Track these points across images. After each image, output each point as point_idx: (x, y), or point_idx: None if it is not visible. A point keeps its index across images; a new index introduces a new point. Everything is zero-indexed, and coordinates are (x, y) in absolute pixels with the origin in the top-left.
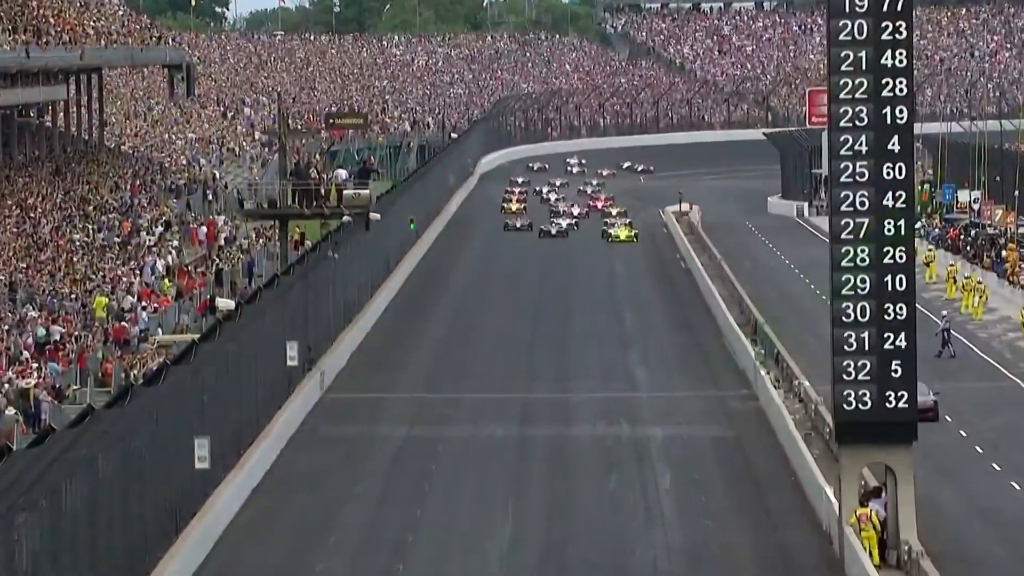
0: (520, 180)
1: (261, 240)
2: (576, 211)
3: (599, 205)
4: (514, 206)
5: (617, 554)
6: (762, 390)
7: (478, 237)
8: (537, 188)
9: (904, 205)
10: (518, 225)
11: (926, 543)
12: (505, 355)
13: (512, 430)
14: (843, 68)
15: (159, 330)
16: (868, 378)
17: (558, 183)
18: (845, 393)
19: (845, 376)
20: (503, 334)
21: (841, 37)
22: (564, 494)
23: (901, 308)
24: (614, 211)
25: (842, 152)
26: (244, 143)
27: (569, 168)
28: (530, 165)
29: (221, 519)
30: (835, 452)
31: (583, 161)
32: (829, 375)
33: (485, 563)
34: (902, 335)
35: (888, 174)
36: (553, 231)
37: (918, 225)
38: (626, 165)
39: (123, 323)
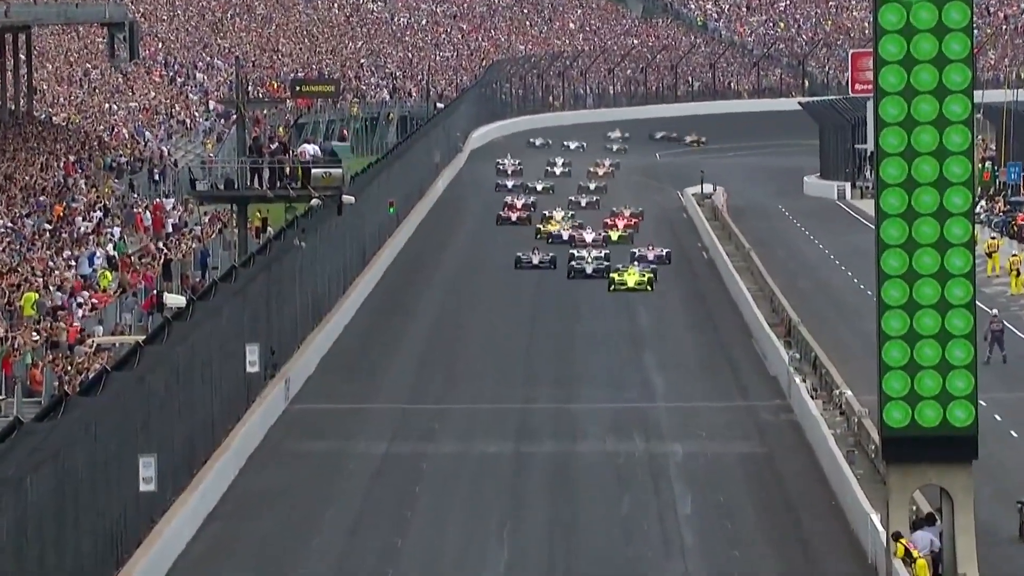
0: (512, 165)
1: (217, 226)
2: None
3: (620, 223)
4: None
5: None
6: (797, 400)
7: (468, 223)
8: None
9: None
10: (535, 262)
11: None
12: (499, 359)
13: (507, 446)
14: (892, 27)
15: (98, 331)
16: (920, 387)
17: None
18: (893, 404)
19: (893, 384)
20: (497, 335)
21: None
22: (568, 521)
23: (961, 306)
24: (614, 235)
25: (890, 124)
26: (196, 114)
27: (609, 145)
28: (531, 141)
29: (170, 550)
30: (882, 473)
31: (626, 135)
32: (875, 383)
33: None
34: (962, 336)
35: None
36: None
37: (979, 209)
38: (660, 135)
39: (56, 323)
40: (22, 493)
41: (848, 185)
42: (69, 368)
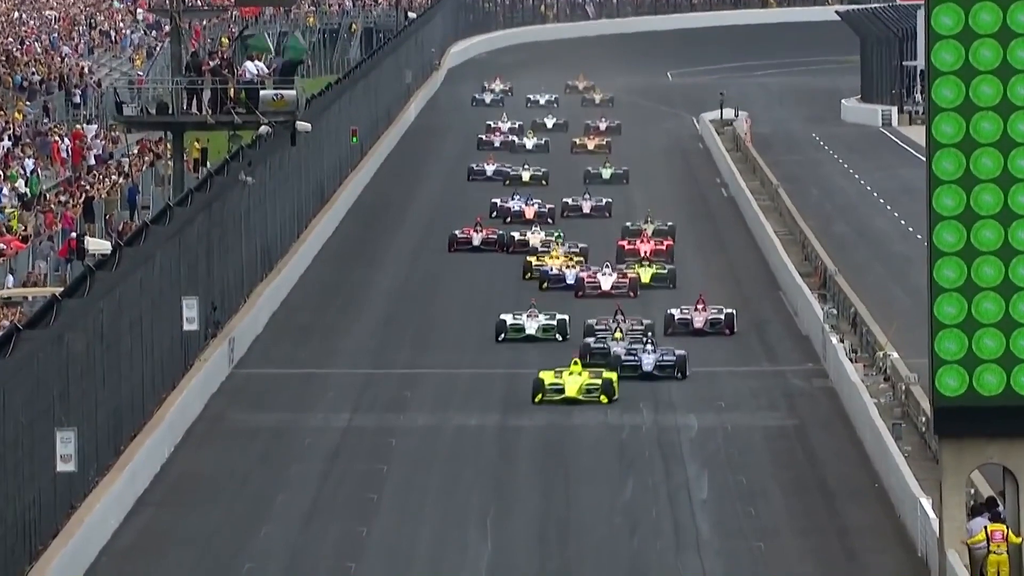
0: (493, 93)
1: (147, 158)
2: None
3: (643, 249)
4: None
5: None
6: (833, 364)
7: (445, 156)
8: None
9: None
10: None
11: None
12: (481, 316)
13: (491, 418)
14: None
15: (7, 281)
16: (979, 348)
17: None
18: (947, 369)
19: (947, 345)
20: (477, 287)
21: None
22: (562, 507)
23: None
24: (646, 275)
25: (944, 37)
26: (123, 25)
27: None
28: (530, 98)
29: (93, 540)
30: (934, 449)
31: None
32: (925, 344)
33: None
34: None
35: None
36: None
37: None
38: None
39: None
40: None
41: (894, 109)
42: None
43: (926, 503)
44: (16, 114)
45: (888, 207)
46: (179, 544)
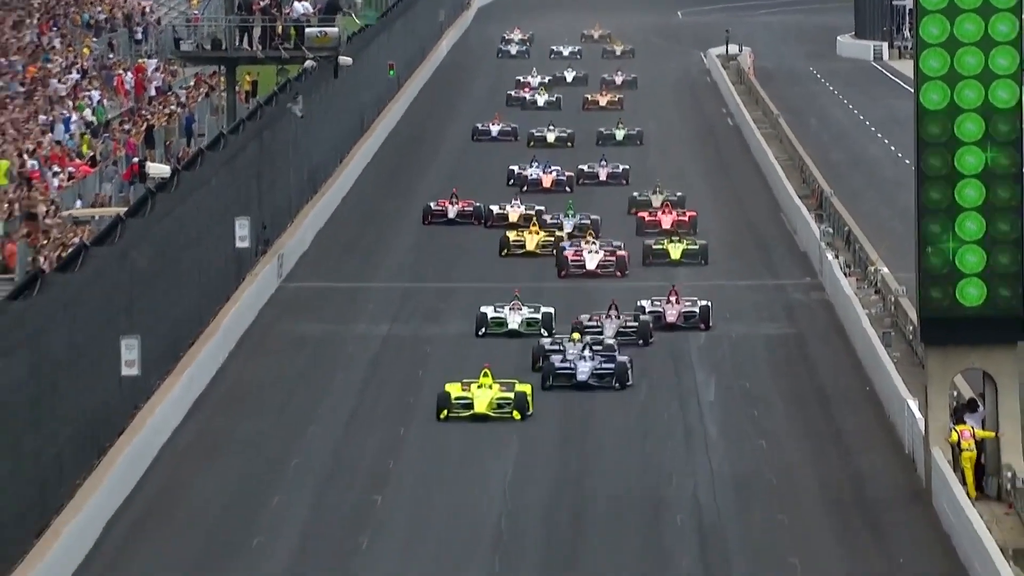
0: (517, 43)
1: (202, 90)
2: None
3: (664, 221)
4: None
5: (649, 484)
6: (829, 278)
7: (475, 89)
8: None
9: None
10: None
11: None
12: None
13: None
14: None
15: (76, 202)
16: (962, 263)
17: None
18: (933, 282)
19: (933, 261)
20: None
21: None
22: (583, 408)
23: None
24: (675, 252)
25: None
26: None
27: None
28: (554, 49)
29: (155, 439)
30: (920, 356)
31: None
32: (913, 260)
33: (486, 497)
34: (1007, 209)
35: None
36: None
37: None
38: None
39: (31, 192)
40: None
41: (885, 45)
42: (45, 242)
43: (913, 405)
44: (84, 50)
45: (879, 135)
46: (233, 443)
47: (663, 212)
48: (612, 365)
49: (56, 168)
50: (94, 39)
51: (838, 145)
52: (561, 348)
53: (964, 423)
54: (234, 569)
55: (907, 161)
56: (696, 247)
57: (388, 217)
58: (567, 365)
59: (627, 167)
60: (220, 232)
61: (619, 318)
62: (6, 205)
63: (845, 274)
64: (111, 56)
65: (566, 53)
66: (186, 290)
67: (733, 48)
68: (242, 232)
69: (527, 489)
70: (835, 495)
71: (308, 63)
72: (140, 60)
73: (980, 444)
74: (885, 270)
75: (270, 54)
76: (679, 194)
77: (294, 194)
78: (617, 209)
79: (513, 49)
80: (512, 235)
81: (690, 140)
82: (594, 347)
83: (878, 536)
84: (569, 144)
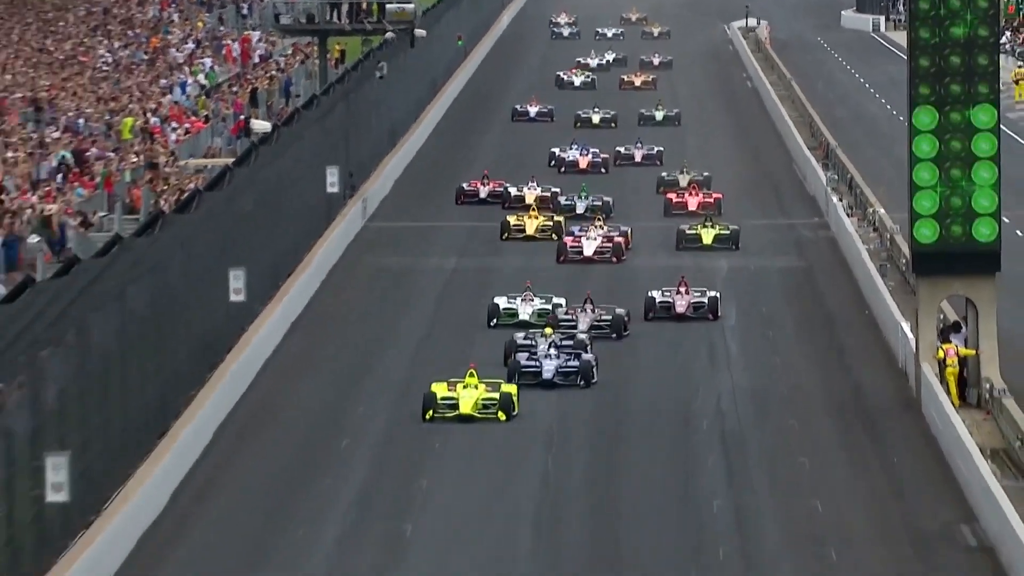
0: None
1: (299, 57)
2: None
3: (691, 203)
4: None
5: (678, 395)
6: (834, 218)
7: (531, 57)
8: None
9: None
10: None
11: (1009, 380)
12: (559, 182)
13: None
14: None
15: (191, 154)
16: (948, 205)
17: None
18: (923, 221)
19: (923, 203)
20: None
21: None
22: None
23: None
24: (707, 236)
25: None
26: None
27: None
28: (599, 31)
29: (258, 356)
30: (912, 284)
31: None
32: (906, 202)
33: (534, 408)
34: (987, 158)
35: None
36: None
37: (1004, 40)
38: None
39: (153, 144)
40: (123, 303)
41: (883, 18)
42: (165, 187)
43: (905, 327)
44: (198, 23)
45: (877, 96)
46: (324, 359)
47: (690, 193)
48: (577, 364)
49: (174, 124)
50: (207, 14)
51: (842, 104)
52: (533, 343)
53: (949, 342)
54: (326, 464)
55: (900, 118)
56: (728, 232)
57: (457, 166)
58: (532, 363)
59: (661, 149)
60: (313, 179)
61: (593, 311)
62: (133, 156)
63: (847, 215)
64: (221, 28)
65: (610, 35)
66: (284, 229)
67: (752, 21)
68: (332, 179)
69: (574, 399)
70: (838, 404)
71: (388, 34)
72: (246, 32)
73: (963, 360)
74: (882, 211)
75: (356, 27)
76: (705, 174)
77: (376, 146)
78: (649, 189)
79: (565, 31)
80: (512, 219)
81: (714, 99)
82: (562, 344)
83: (875, 439)
84: (613, 125)
